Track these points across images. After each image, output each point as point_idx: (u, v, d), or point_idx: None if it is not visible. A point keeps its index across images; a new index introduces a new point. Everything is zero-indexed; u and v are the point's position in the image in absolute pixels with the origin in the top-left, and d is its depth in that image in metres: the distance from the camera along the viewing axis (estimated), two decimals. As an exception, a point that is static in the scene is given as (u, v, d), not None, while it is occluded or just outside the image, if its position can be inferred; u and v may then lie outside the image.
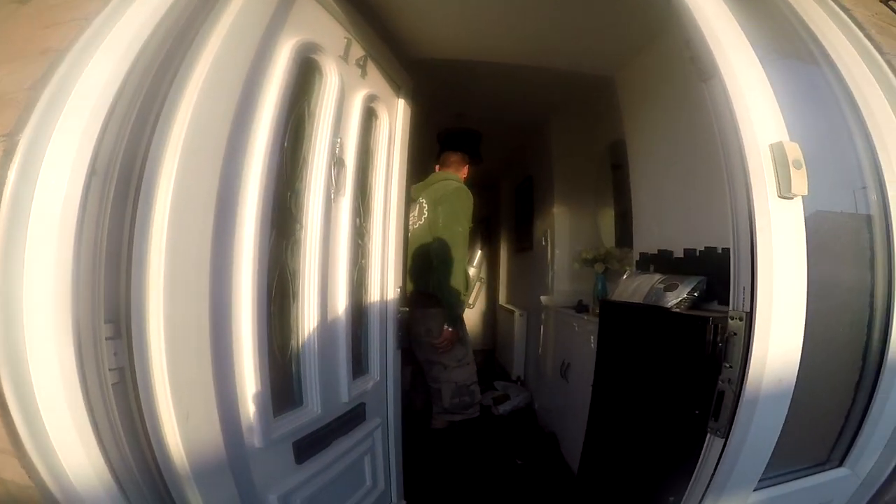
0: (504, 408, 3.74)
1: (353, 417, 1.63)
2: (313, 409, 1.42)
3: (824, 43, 1.26)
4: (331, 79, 1.58)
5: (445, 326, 2.26)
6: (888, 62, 1.23)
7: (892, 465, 1.24)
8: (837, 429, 1.27)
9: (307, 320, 1.46)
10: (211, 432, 0.97)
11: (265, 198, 1.25)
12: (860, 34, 1.26)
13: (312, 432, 1.39)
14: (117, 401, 0.83)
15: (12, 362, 0.76)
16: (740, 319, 0.97)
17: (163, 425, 0.88)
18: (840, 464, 1.26)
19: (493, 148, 4.29)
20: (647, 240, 2.15)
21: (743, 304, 0.98)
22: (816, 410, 1.26)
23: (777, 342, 0.93)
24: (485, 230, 6.75)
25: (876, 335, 1.20)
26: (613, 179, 2.91)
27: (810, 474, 1.24)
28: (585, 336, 2.49)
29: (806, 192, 0.93)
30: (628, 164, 2.36)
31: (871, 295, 1.18)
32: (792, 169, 0.91)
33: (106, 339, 0.82)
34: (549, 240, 3.59)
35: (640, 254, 2.10)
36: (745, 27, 1.07)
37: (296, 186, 1.50)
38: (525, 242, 4.46)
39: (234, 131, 1.14)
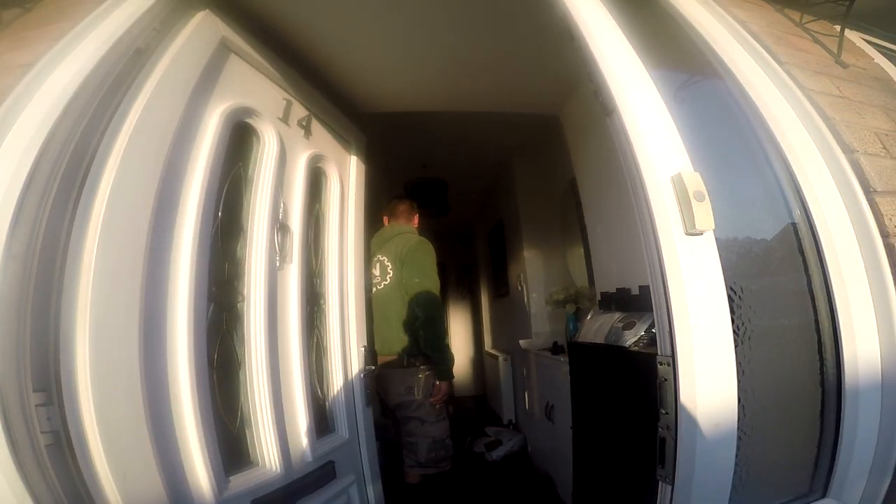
0: (497, 453, 3.63)
1: (321, 476, 1.61)
2: (271, 469, 1.41)
3: (725, 59, 1.25)
4: (269, 142, 1.59)
5: (437, 382, 2.22)
6: (787, 72, 1.23)
7: (884, 491, 1.17)
8: (813, 459, 1.20)
9: (257, 385, 1.45)
10: (153, 490, 1.00)
11: (198, 272, 1.25)
12: (758, 46, 1.27)
13: (273, 491, 1.38)
14: (53, 460, 0.87)
15: None
16: (668, 364, 0.92)
17: (101, 483, 0.91)
18: (823, 494, 1.18)
19: (463, 195, 4.38)
20: (606, 278, 2.12)
21: (667, 349, 0.93)
22: (786, 443, 1.20)
23: (705, 386, 0.87)
24: (465, 279, 6.76)
25: (828, 358, 1.16)
26: (579, 217, 2.93)
27: None
28: (563, 377, 2.42)
29: (713, 227, 0.89)
30: (581, 203, 2.38)
31: (816, 321, 1.15)
32: (693, 202, 0.88)
33: (36, 406, 0.87)
34: (523, 283, 3.57)
35: (601, 293, 2.07)
36: (643, 49, 1.06)
37: (235, 257, 1.49)
38: (503, 288, 4.46)
39: (160, 204, 1.15)
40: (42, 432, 0.86)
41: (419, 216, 2.60)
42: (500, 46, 1.94)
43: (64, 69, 1.02)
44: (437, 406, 2.26)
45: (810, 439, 1.18)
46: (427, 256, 2.30)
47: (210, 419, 1.22)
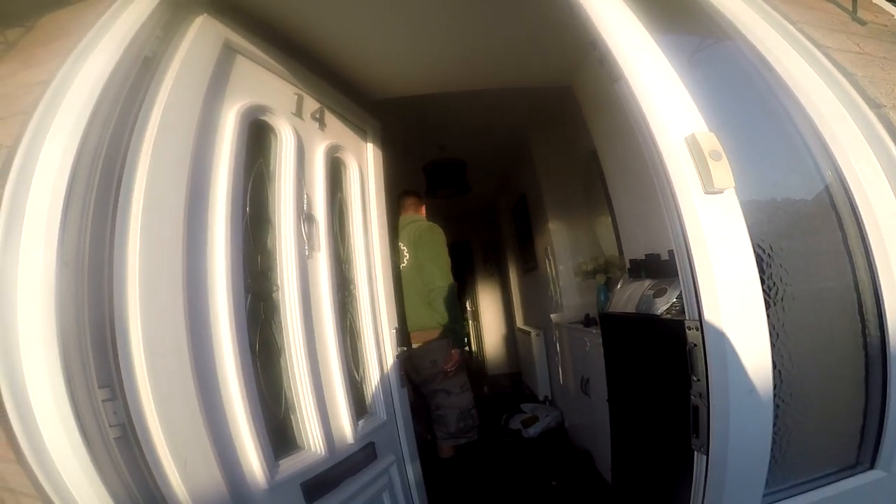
0: (534, 430, 3.64)
1: (363, 457, 1.66)
2: (317, 452, 1.47)
3: (733, 20, 1.21)
4: (285, 137, 1.62)
5: (452, 350, 2.37)
6: (801, 30, 1.18)
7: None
8: (858, 429, 1.16)
9: (298, 371, 1.50)
10: (211, 477, 1.07)
11: (234, 265, 1.31)
12: (766, 6, 1.22)
13: (320, 473, 1.44)
14: (123, 451, 0.95)
15: (29, 431, 0.89)
16: (697, 329, 0.90)
17: (166, 472, 0.98)
18: (872, 465, 1.15)
19: (484, 173, 4.34)
20: (634, 245, 2.08)
21: (694, 313, 0.91)
22: (829, 412, 1.17)
23: (736, 351, 0.85)
24: (492, 255, 6.75)
25: (870, 319, 1.11)
26: (603, 184, 2.86)
27: (840, 479, 1.13)
28: (597, 349, 2.41)
29: (732, 185, 0.86)
30: (603, 170, 2.33)
31: (855, 280, 1.10)
32: (710, 161, 0.85)
33: (103, 401, 0.94)
34: (550, 256, 3.54)
35: (630, 261, 2.03)
36: (647, 14, 1.03)
37: (266, 249, 1.53)
38: (530, 262, 4.41)
39: (191, 205, 1.20)
40: (111, 426, 0.93)
41: (426, 206, 2.83)
42: (505, 21, 1.90)
43: (81, 83, 1.05)
44: (451, 373, 2.41)
45: (855, 406, 1.15)
46: (436, 238, 2.51)
47: (257, 406, 1.28)
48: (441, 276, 2.42)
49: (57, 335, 0.89)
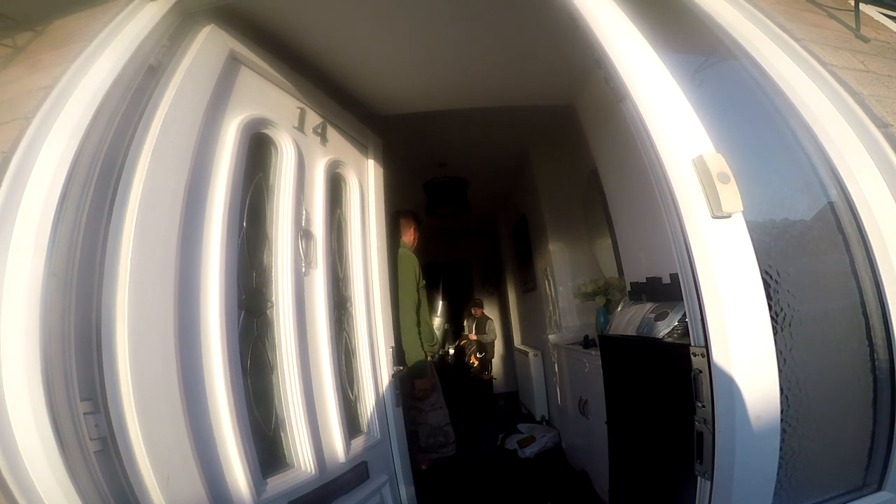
0: (530, 450, 3.58)
1: (354, 476, 1.63)
2: (307, 471, 1.44)
3: (738, 38, 1.21)
4: (286, 151, 1.61)
5: (416, 381, 2.43)
6: (805, 48, 1.18)
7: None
8: (866, 450, 1.14)
9: (290, 389, 1.47)
10: (195, 494, 1.03)
11: (228, 281, 1.29)
12: (770, 24, 1.22)
13: (310, 492, 1.41)
14: (102, 465, 0.91)
15: (4, 442, 0.85)
16: (702, 356, 0.88)
17: (147, 488, 0.95)
18: (879, 487, 1.11)
19: (484, 191, 4.35)
20: (635, 268, 2.07)
21: (700, 339, 0.89)
22: (837, 434, 1.14)
23: (743, 377, 0.83)
24: (491, 274, 6.73)
25: (878, 342, 1.09)
26: (603, 206, 2.86)
27: (847, 501, 1.10)
28: (596, 371, 2.38)
29: (741, 209, 0.85)
30: (604, 192, 2.32)
31: (862, 302, 1.08)
32: (718, 184, 0.84)
33: (84, 414, 0.91)
34: (550, 277, 3.52)
35: (631, 283, 2.02)
36: (651, 33, 1.03)
37: (262, 265, 1.51)
38: (530, 283, 4.40)
39: (187, 217, 1.18)
40: (91, 439, 0.90)
41: (420, 227, 2.86)
42: (507, 40, 1.92)
43: (83, 90, 1.05)
44: (426, 396, 2.48)
45: (863, 429, 1.12)
46: (405, 270, 2.54)
47: (246, 423, 1.25)
48: (406, 312, 2.45)
49: (39, 346, 0.86)
